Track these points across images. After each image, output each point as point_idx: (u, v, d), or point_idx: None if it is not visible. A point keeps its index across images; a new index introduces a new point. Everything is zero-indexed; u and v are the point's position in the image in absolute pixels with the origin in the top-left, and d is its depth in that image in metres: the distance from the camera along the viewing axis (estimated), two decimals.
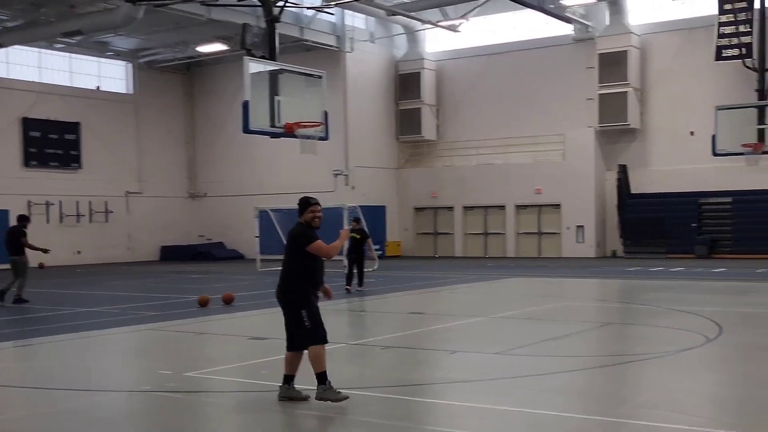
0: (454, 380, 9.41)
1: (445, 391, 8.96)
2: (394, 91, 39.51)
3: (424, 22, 35.90)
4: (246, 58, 13.79)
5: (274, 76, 14.26)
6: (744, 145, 20.06)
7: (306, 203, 8.24)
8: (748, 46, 29.67)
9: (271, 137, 15.09)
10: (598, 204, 35.01)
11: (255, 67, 14.45)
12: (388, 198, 38.86)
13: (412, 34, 38.76)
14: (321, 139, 15.00)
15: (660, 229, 33.19)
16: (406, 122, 39.20)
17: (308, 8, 30.78)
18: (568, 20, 31.80)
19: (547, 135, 35.76)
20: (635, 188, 34.66)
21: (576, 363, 10.29)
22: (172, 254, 39.64)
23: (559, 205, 35.58)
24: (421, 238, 39.54)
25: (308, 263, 8.05)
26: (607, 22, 34.55)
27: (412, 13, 34.59)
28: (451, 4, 33.52)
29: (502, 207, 36.94)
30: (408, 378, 9.60)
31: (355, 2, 31.46)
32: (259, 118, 13.75)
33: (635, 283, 22.73)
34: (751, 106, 20.59)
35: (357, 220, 21.29)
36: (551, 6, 30.16)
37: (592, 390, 8.96)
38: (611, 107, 34.07)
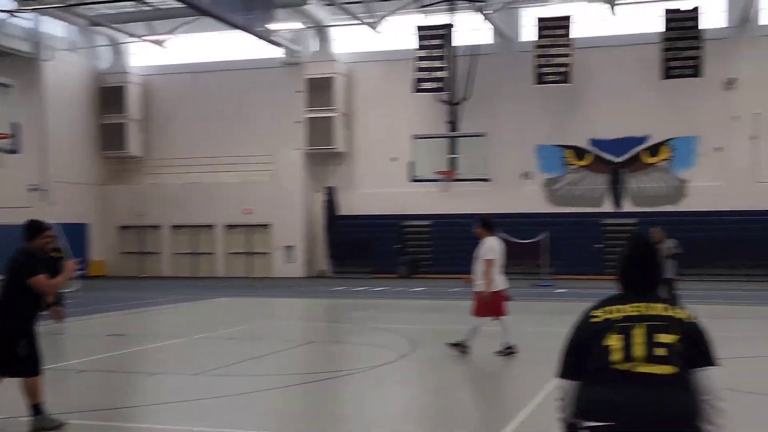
0: (151, 403, 9.12)
1: (142, 415, 8.67)
2: (97, 105, 37.82)
3: (129, 35, 34.86)
4: None
5: None
6: (437, 173, 21.53)
7: (39, 228, 7.60)
8: (442, 80, 32.03)
9: None
10: (307, 225, 35.82)
11: None
12: (91, 215, 36.99)
13: (116, 46, 37.37)
14: (11, 152, 13.96)
15: (365, 249, 34.61)
16: (110, 137, 37.65)
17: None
18: (277, 44, 32.12)
19: (256, 155, 35.99)
20: (343, 210, 35.87)
21: (276, 381, 10.40)
22: None
23: (269, 225, 35.92)
24: (127, 257, 38.06)
25: (29, 292, 7.43)
26: (315, 48, 35.61)
27: (117, 25, 33.46)
28: (157, 19, 32.86)
29: (210, 226, 36.61)
30: (103, 402, 9.17)
31: (54, 9, 29.82)
32: None
33: (340, 302, 23.49)
34: (444, 137, 22.10)
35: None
36: (259, 29, 30.45)
37: (289, 407, 9.10)
38: (319, 130, 35.10)
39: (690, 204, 32.39)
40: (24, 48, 33.81)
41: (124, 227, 38.04)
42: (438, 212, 33.82)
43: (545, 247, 30.13)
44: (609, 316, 3.63)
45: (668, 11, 30.78)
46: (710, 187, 32.02)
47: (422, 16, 32.82)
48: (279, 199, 35.37)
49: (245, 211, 36.00)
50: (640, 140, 32.99)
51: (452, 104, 23.01)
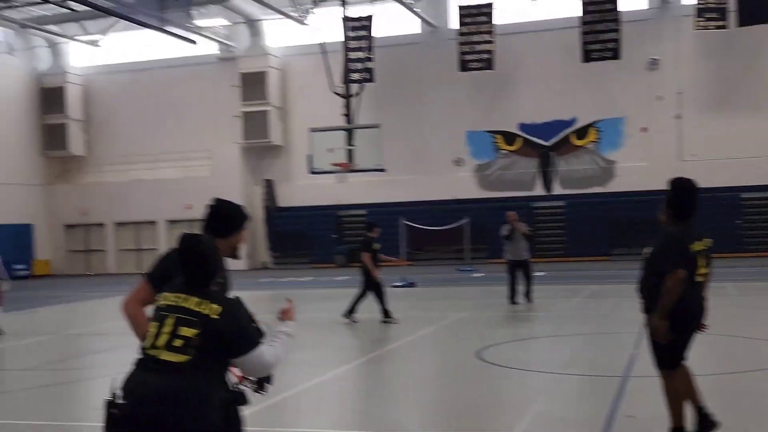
0: None
1: None
2: (37, 105, 38.16)
3: (60, 35, 35.18)
4: None
5: None
6: (334, 164, 22.03)
7: None
8: (370, 71, 32.53)
9: None
10: None
11: None
12: (35, 216, 37.44)
13: (54, 47, 37.70)
14: None
15: (304, 240, 35.18)
16: (52, 137, 38.04)
17: None
18: (191, 40, 31.42)
19: (195, 151, 36.49)
20: (282, 202, 36.40)
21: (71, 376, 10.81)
22: None
23: None
24: (73, 255, 38.56)
25: None
26: (248, 43, 35.99)
27: (48, 26, 33.80)
28: (89, 19, 33.17)
29: (153, 222, 37.07)
30: None
31: None
32: None
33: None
34: (339, 129, 22.48)
35: None
36: (189, 25, 30.79)
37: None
38: (254, 124, 35.56)
39: (618, 185, 33.01)
40: None
41: (70, 226, 38.52)
42: (372, 201, 34.33)
43: (471, 231, 30.85)
44: (160, 302, 4.03)
45: None
46: (637, 167, 32.63)
47: (348, 7, 33.03)
48: (218, 193, 34.86)
49: (186, 206, 36.44)
50: (568, 123, 33.61)
51: (348, 96, 23.43)
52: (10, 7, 29.40)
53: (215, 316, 3.90)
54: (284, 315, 4.41)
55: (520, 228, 16.82)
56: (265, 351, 4.03)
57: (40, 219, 37.77)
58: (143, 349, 3.96)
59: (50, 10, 32.21)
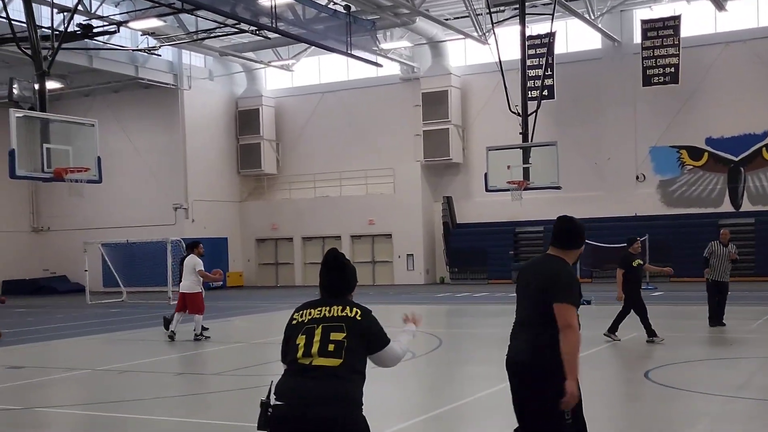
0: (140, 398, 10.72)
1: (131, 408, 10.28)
2: (234, 127, 40.81)
3: (256, 62, 37.49)
4: (12, 110, 14.77)
5: (45, 123, 15.31)
6: (509, 182, 22.30)
7: None
8: (550, 88, 32.57)
9: (43, 181, 16.22)
10: (426, 233, 37.14)
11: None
12: (230, 230, 40.02)
13: (250, 72, 40.21)
14: (94, 182, 16.15)
15: (481, 256, 35.54)
16: (247, 157, 40.54)
17: (134, 50, 31.67)
18: (374, 63, 32.50)
19: (378, 169, 37.75)
20: (460, 218, 36.96)
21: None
22: (13, 289, 39.46)
23: (390, 234, 37.53)
24: (263, 268, 40.84)
25: None
26: (430, 63, 36.89)
27: (245, 54, 36.12)
28: (282, 46, 35.22)
29: (338, 237, 38.59)
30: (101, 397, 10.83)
31: (187, 43, 32.73)
32: (27, 164, 14.75)
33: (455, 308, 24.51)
34: (515, 147, 22.73)
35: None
36: (375, 48, 32.07)
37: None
38: (435, 143, 36.36)
39: None
40: (166, 80, 37.21)
41: (261, 240, 40.81)
42: (550, 218, 34.07)
43: (652, 249, 30.10)
44: (301, 318, 4.59)
45: None
46: None
47: (528, 26, 33.28)
48: (399, 210, 36.92)
49: (369, 222, 37.80)
50: (759, 137, 32.13)
51: (523, 116, 23.60)
52: (211, 37, 31.76)
53: (359, 318, 4.50)
54: (409, 320, 5.10)
55: (731, 251, 16.33)
56: (395, 346, 4.68)
57: (234, 233, 40.32)
58: (295, 359, 4.46)
59: (247, 38, 34.47)
